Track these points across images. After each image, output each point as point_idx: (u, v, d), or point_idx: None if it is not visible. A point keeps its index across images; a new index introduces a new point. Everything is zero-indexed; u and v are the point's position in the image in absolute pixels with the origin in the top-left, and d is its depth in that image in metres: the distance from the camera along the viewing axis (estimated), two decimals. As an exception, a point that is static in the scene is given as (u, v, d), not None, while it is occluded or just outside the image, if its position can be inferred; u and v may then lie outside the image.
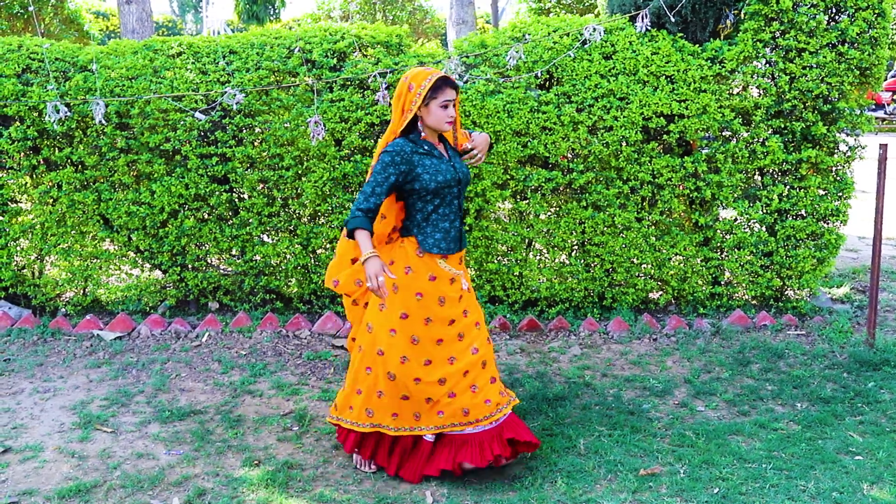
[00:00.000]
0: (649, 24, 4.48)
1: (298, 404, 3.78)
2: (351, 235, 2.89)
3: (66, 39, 8.71)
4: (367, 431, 3.11)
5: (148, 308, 4.87)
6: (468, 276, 3.22)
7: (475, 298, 3.25)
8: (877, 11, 4.50)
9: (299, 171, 4.59)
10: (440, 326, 3.05)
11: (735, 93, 4.65)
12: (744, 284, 4.86)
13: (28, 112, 4.47)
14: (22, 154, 4.63)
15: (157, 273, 5.04)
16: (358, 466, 3.20)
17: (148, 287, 4.88)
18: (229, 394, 3.90)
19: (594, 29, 4.40)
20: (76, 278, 4.81)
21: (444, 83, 2.96)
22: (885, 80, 16.13)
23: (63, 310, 4.90)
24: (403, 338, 3.02)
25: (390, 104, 4.41)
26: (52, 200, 4.69)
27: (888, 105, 15.44)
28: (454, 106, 3.00)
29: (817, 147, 4.66)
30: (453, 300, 3.08)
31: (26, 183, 4.76)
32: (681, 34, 4.60)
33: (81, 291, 4.94)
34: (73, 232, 4.74)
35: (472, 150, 3.19)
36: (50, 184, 4.65)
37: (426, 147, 3.01)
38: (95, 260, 4.81)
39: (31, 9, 8.04)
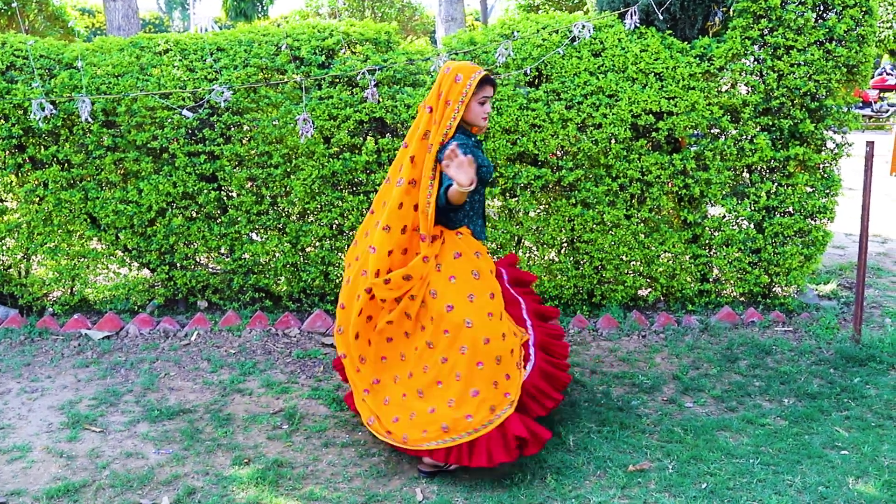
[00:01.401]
0: (638, 21, 4.50)
1: (288, 402, 3.77)
2: (448, 201, 2.93)
3: (51, 36, 8.63)
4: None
5: (136, 307, 4.85)
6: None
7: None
8: (864, 9, 4.53)
9: (288, 169, 4.58)
10: (500, 299, 3.13)
11: (723, 90, 4.67)
12: (732, 281, 4.88)
13: (13, 110, 4.44)
14: (7, 152, 4.59)
15: (146, 272, 5.02)
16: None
17: (136, 286, 4.85)
18: (218, 392, 3.89)
19: (583, 26, 4.41)
20: (63, 277, 4.78)
21: (485, 80, 3.06)
22: (872, 77, 16.27)
23: (50, 309, 4.86)
24: (495, 317, 3.06)
25: (379, 101, 4.42)
26: (38, 199, 4.65)
27: (875, 103, 15.56)
28: (489, 102, 3.11)
29: (805, 144, 4.69)
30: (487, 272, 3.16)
31: (12, 182, 4.72)
32: (669, 31, 4.62)
33: (69, 291, 4.90)
34: (59, 231, 4.70)
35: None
36: (36, 182, 4.61)
37: (477, 141, 3.16)
38: (83, 259, 4.78)
39: (14, 5, 7.98)
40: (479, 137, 3.29)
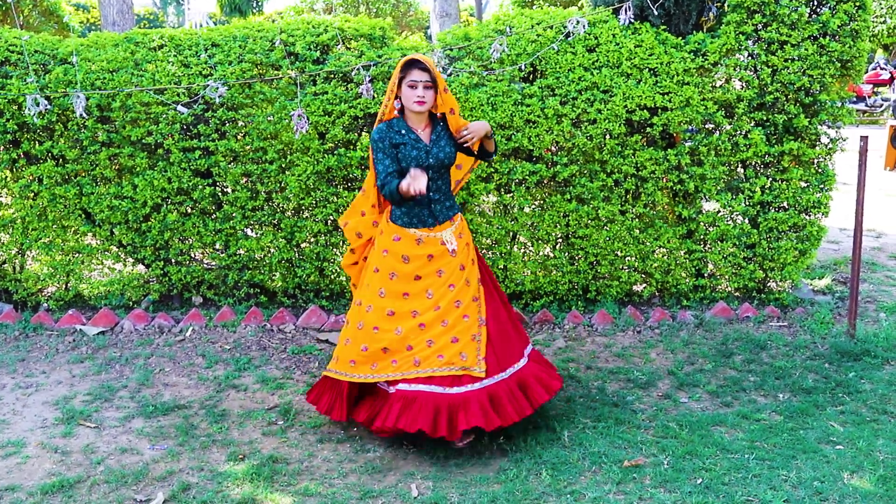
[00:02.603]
0: (632, 16, 4.49)
1: (283, 398, 3.77)
2: (396, 194, 3.10)
3: (46, 32, 8.60)
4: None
5: (131, 303, 4.84)
6: (463, 243, 3.37)
7: (476, 269, 3.40)
8: (857, 4, 4.53)
9: (283, 165, 4.57)
10: (404, 281, 3.29)
11: (718, 85, 4.67)
12: (727, 276, 4.89)
13: (7, 105, 4.42)
14: (1, 148, 4.58)
15: (140, 267, 5.01)
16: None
17: (131, 282, 4.84)
18: (214, 388, 3.88)
19: (578, 22, 4.40)
20: (58, 273, 4.76)
21: (411, 64, 3.14)
22: (866, 72, 16.29)
23: (45, 305, 4.85)
24: (372, 290, 3.33)
25: (374, 96, 4.42)
26: (32, 195, 4.64)
27: (869, 97, 15.58)
28: (426, 87, 3.14)
29: (799, 139, 4.70)
30: (419, 258, 3.29)
31: (6, 177, 4.70)
32: (664, 27, 4.62)
33: (63, 286, 4.89)
34: (54, 226, 4.69)
35: (465, 133, 3.29)
36: (30, 178, 4.59)
37: (403, 131, 3.24)
38: (77, 254, 4.77)
39: (9, 1, 7.94)
40: (462, 130, 3.31)
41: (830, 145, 4.74)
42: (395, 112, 3.26)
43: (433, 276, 3.28)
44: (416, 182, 2.98)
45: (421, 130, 3.25)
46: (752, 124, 4.67)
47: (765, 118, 4.64)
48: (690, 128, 4.74)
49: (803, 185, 4.76)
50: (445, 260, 3.30)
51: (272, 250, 4.72)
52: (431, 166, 3.22)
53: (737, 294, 4.99)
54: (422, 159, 3.20)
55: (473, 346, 3.22)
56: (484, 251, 4.76)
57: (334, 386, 3.39)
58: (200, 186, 4.57)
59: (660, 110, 4.56)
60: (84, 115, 4.27)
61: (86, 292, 4.95)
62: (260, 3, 21.69)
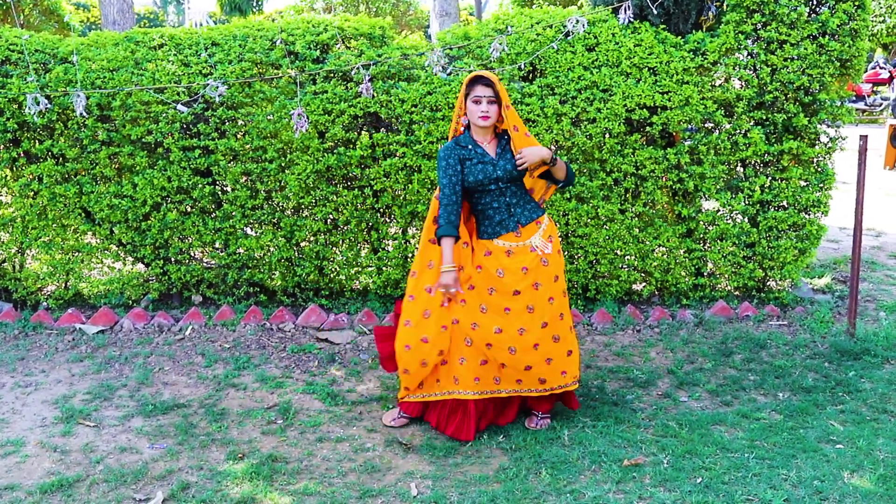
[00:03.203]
0: (632, 15, 4.49)
1: (282, 397, 3.77)
2: (438, 242, 3.25)
3: (46, 31, 8.60)
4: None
5: (130, 301, 4.84)
6: (556, 249, 3.39)
7: (553, 273, 3.37)
8: (857, 3, 4.53)
9: (282, 164, 4.57)
10: (504, 296, 3.31)
11: (717, 84, 4.67)
12: (726, 275, 4.89)
13: (7, 104, 4.42)
14: (2, 147, 4.57)
15: (140, 266, 5.01)
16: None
17: (130, 280, 4.84)
18: (213, 387, 3.88)
19: (577, 21, 4.40)
20: (58, 272, 4.76)
21: (476, 80, 3.20)
22: (865, 71, 16.28)
23: (45, 304, 4.85)
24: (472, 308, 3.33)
25: (374, 96, 4.42)
26: (32, 193, 4.64)
27: (868, 97, 15.57)
28: (490, 102, 3.20)
29: (799, 138, 4.70)
30: (514, 272, 3.29)
31: (6, 176, 4.70)
32: (663, 26, 4.61)
33: (63, 285, 4.89)
34: (54, 225, 4.69)
35: (519, 157, 3.30)
36: (30, 176, 4.59)
37: (470, 146, 3.31)
38: (77, 253, 4.77)
39: (9, 0, 7.94)
40: (511, 136, 3.34)
41: (830, 144, 4.74)
42: (462, 128, 3.34)
43: (531, 291, 3.29)
44: (446, 288, 3.24)
45: (487, 144, 3.32)
46: (751, 123, 4.66)
47: (764, 117, 4.64)
48: (690, 127, 4.74)
49: (803, 184, 4.76)
50: (540, 271, 3.31)
51: (272, 249, 4.71)
52: (500, 178, 3.28)
53: (736, 293, 4.99)
54: (488, 172, 3.27)
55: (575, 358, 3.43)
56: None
57: (457, 407, 3.38)
58: (200, 185, 4.57)
59: (659, 109, 4.56)
60: (84, 113, 4.27)
61: (85, 291, 4.95)
62: (260, 3, 21.69)
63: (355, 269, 4.83)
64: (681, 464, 3.14)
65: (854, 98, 15.12)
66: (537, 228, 3.35)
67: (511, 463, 3.15)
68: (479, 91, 3.19)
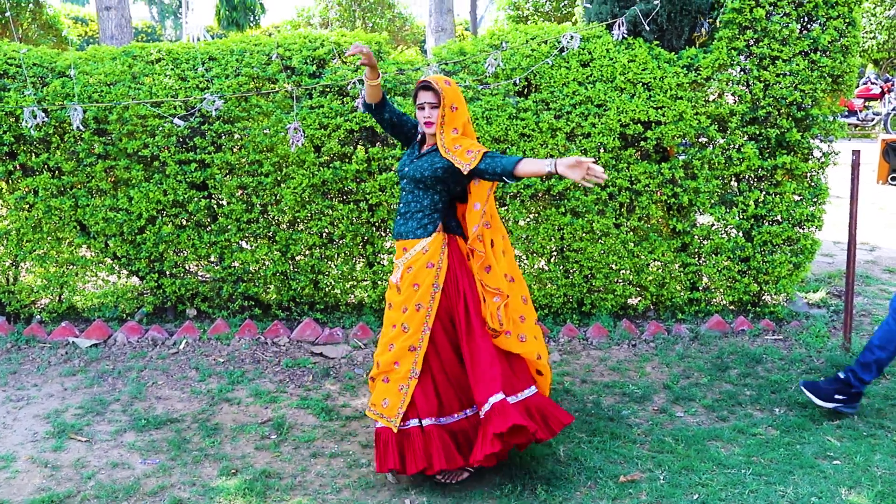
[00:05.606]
0: (626, 32, 4.52)
1: (276, 412, 3.75)
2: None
3: (45, 45, 8.61)
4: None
5: (125, 315, 4.82)
6: (408, 269, 3.13)
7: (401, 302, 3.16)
8: (847, 20, 4.58)
9: (278, 178, 4.57)
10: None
11: (711, 100, 4.70)
12: (721, 290, 4.90)
13: (4, 117, 4.42)
14: (-4, 160, 4.57)
15: (135, 279, 4.99)
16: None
17: (125, 294, 4.83)
18: (207, 402, 3.86)
19: (572, 37, 4.43)
20: (52, 285, 4.75)
21: (420, 87, 3.13)
22: (857, 86, 16.40)
23: (38, 317, 4.83)
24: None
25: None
26: (28, 206, 4.63)
27: (860, 112, 15.68)
28: (432, 107, 3.10)
29: (792, 153, 4.72)
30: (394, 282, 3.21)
31: (2, 188, 4.70)
32: (657, 42, 4.65)
33: (57, 298, 4.87)
34: (49, 238, 4.68)
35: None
36: (26, 189, 4.59)
37: (416, 144, 3.28)
38: (72, 266, 4.75)
39: (8, 14, 7.96)
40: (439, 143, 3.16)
41: (823, 159, 4.77)
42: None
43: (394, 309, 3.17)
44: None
45: (427, 146, 3.24)
46: (745, 138, 4.69)
47: (758, 132, 4.67)
48: (684, 142, 4.76)
49: (797, 198, 4.78)
50: (394, 293, 3.20)
51: (267, 263, 4.71)
52: (406, 176, 3.19)
53: (731, 307, 4.99)
54: (402, 164, 3.23)
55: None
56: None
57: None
58: (196, 199, 4.56)
59: (653, 124, 4.58)
60: (81, 127, 4.27)
61: (79, 304, 4.92)
62: (257, 17, 21.78)
63: (350, 283, 4.82)
64: (677, 480, 3.12)
65: (846, 113, 15.23)
66: (408, 249, 3.15)
67: (506, 479, 3.13)
68: (422, 97, 3.13)
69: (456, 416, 3.10)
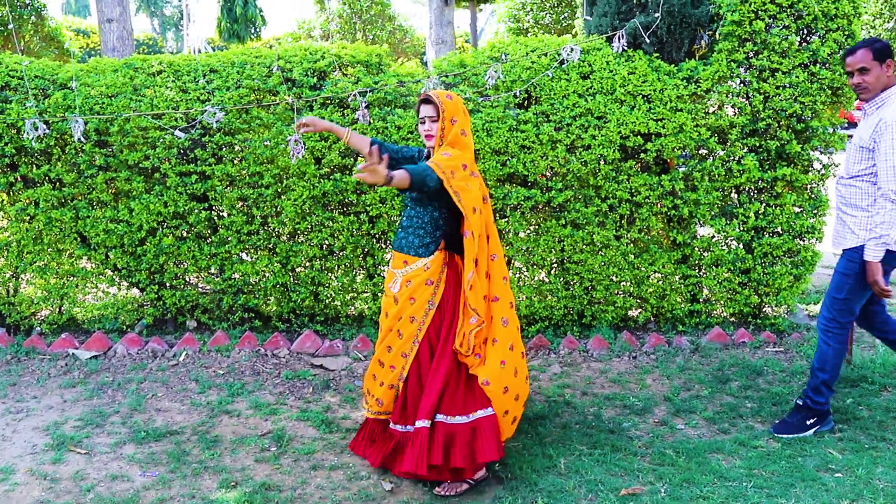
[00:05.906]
0: (626, 44, 4.55)
1: (276, 424, 3.74)
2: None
3: (46, 57, 8.64)
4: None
5: (125, 327, 4.82)
6: (407, 282, 3.18)
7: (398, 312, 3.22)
8: (846, 33, 4.60)
9: (279, 190, 4.58)
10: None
11: (711, 112, 4.72)
12: (722, 302, 4.89)
13: (6, 129, 4.43)
14: (-2, 172, 4.59)
15: (135, 291, 4.99)
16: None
17: (125, 305, 4.82)
18: (206, 414, 3.85)
19: (572, 49, 4.45)
20: (52, 296, 4.75)
21: (422, 101, 3.18)
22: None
23: (38, 328, 4.82)
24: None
25: (370, 122, 4.45)
26: (28, 218, 4.64)
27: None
28: (432, 121, 3.14)
29: (792, 165, 4.73)
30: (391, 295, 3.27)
31: (3, 200, 4.71)
32: (657, 54, 4.67)
33: (57, 310, 4.87)
34: (49, 250, 4.68)
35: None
36: (27, 201, 4.60)
37: (417, 156, 3.37)
38: (72, 278, 4.75)
39: (10, 26, 8.00)
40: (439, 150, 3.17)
41: (823, 171, 4.78)
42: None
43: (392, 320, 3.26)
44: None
45: (424, 158, 3.32)
46: (745, 150, 4.70)
47: (758, 144, 4.68)
48: (684, 153, 4.77)
49: (797, 210, 4.78)
50: (390, 304, 3.27)
51: (267, 275, 4.71)
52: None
53: (732, 319, 4.98)
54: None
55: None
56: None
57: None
58: (196, 210, 4.57)
59: (653, 136, 4.59)
60: (82, 139, 4.29)
61: (79, 316, 4.92)
62: (258, 30, 21.89)
63: (351, 294, 4.82)
64: (678, 493, 3.11)
65: (846, 125, 15.26)
66: (408, 263, 3.20)
67: (506, 492, 3.12)
68: (423, 111, 3.18)
69: (409, 426, 3.18)
